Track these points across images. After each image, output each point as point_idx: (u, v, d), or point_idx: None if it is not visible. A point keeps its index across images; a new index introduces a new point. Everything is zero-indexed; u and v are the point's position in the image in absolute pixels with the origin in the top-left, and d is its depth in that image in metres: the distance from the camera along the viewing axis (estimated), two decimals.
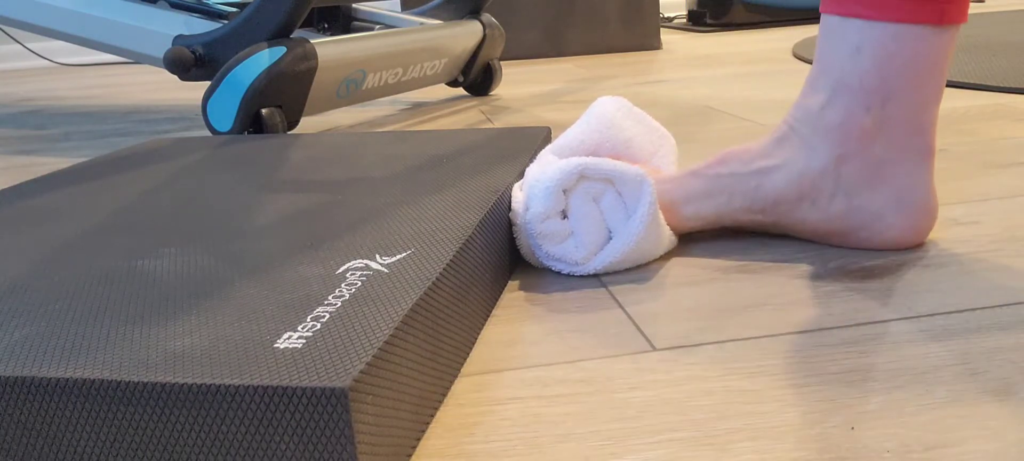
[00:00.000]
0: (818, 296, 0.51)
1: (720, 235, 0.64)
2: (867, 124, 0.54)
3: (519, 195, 0.59)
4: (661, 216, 0.57)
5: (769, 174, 0.57)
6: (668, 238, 0.59)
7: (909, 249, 0.57)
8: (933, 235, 0.60)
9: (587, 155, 0.63)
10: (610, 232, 0.57)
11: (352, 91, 1.18)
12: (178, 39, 1.11)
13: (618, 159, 0.64)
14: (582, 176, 0.56)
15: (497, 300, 0.54)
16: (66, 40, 1.25)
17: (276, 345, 0.35)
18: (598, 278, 0.56)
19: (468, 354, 0.46)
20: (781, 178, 0.57)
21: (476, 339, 0.48)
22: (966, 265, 0.54)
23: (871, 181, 0.55)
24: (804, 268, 0.56)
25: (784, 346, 0.45)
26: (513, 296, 0.54)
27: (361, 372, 0.32)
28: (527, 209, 0.56)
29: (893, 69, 0.53)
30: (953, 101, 1.14)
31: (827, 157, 0.55)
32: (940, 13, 0.52)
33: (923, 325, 0.46)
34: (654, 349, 0.45)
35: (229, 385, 0.32)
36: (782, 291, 0.52)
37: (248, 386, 0.31)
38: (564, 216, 0.56)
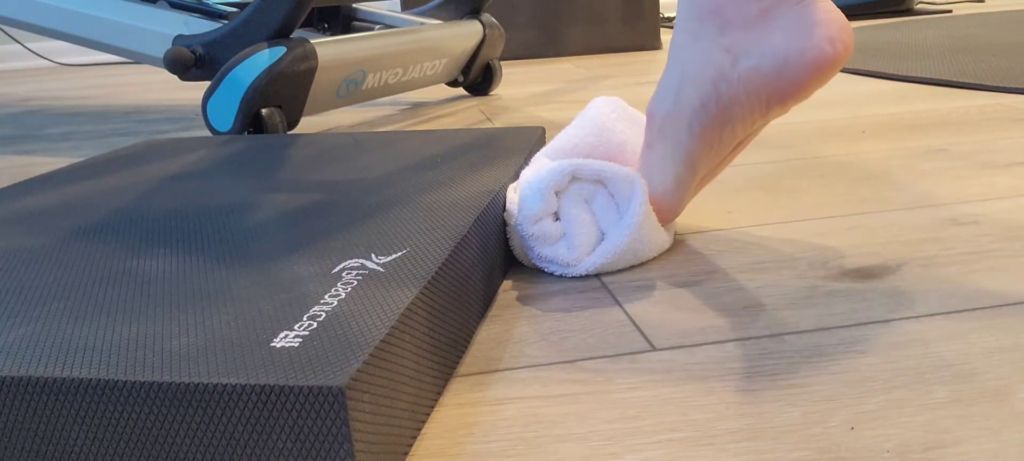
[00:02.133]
0: (818, 296, 0.51)
1: (719, 235, 0.63)
2: None
3: (513, 196, 0.59)
4: (654, 217, 0.57)
5: (682, 89, 0.57)
6: (662, 238, 0.58)
7: (838, 62, 0.54)
8: (933, 235, 0.60)
9: (581, 157, 0.63)
10: (602, 233, 0.57)
11: (352, 91, 1.18)
12: (178, 39, 1.11)
13: (612, 160, 0.64)
14: (573, 177, 0.56)
15: (493, 299, 0.54)
16: (66, 40, 1.25)
17: (272, 344, 0.35)
18: (598, 278, 0.56)
19: (465, 353, 0.46)
20: (689, 84, 0.56)
21: (472, 338, 0.48)
22: (966, 265, 0.54)
23: (757, 31, 0.54)
24: (804, 268, 0.55)
25: (784, 346, 0.45)
26: (510, 296, 0.54)
27: (357, 371, 0.32)
28: (520, 210, 0.56)
29: None
30: (953, 101, 1.14)
31: (710, 35, 0.55)
32: None
33: (923, 325, 0.46)
34: (654, 349, 0.45)
35: (226, 384, 0.31)
36: (782, 291, 0.52)
37: (245, 385, 0.31)
38: (556, 218, 0.56)
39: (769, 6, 0.54)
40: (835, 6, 0.54)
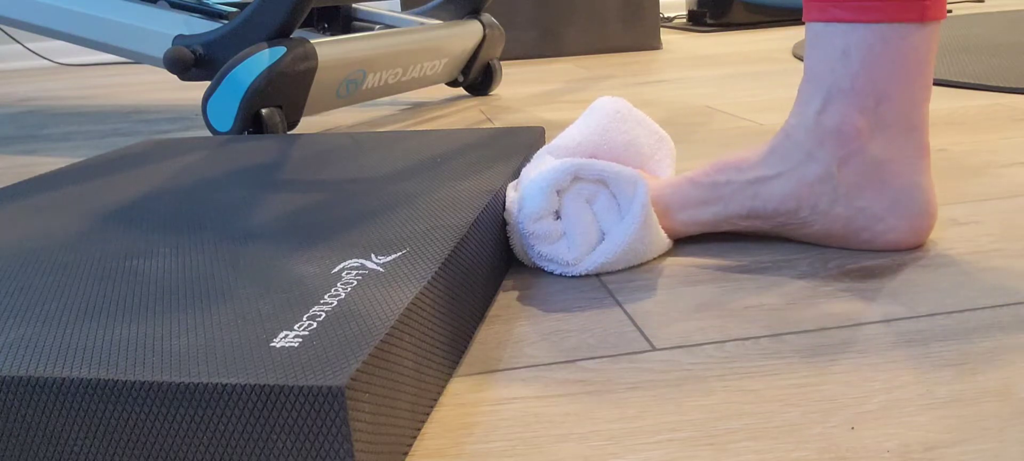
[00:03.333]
0: (818, 296, 0.51)
1: (719, 235, 0.63)
2: (862, 125, 0.54)
3: (513, 195, 0.59)
4: (655, 218, 0.57)
5: (767, 183, 0.57)
6: (662, 240, 0.59)
7: (909, 250, 0.57)
8: (933, 235, 0.60)
9: (585, 156, 0.63)
10: (603, 233, 0.57)
11: (352, 91, 1.18)
12: (178, 39, 1.11)
13: (616, 160, 0.64)
14: (576, 177, 0.56)
15: (493, 299, 0.54)
16: (66, 40, 1.25)
17: (272, 344, 0.35)
18: (598, 278, 0.56)
19: (465, 353, 0.46)
20: (779, 187, 0.57)
21: (472, 338, 0.48)
22: (966, 265, 0.54)
23: (870, 183, 0.55)
24: (804, 268, 0.55)
25: (784, 346, 0.44)
26: (510, 296, 0.54)
27: (357, 371, 0.32)
28: (520, 209, 0.56)
29: (882, 69, 0.54)
30: (953, 101, 1.14)
31: (826, 162, 0.55)
32: (921, 11, 0.53)
33: (923, 325, 0.46)
34: (654, 349, 0.45)
35: (226, 384, 0.31)
36: (782, 291, 0.52)
37: (245, 385, 0.31)
38: (557, 217, 0.56)
39: (891, 158, 0.55)
40: (933, 187, 0.56)
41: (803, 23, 2.61)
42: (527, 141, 0.75)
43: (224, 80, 1.03)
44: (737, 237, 0.63)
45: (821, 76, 0.55)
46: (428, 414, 0.40)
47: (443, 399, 0.41)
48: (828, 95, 0.55)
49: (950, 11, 2.76)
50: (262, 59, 1.02)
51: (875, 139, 0.55)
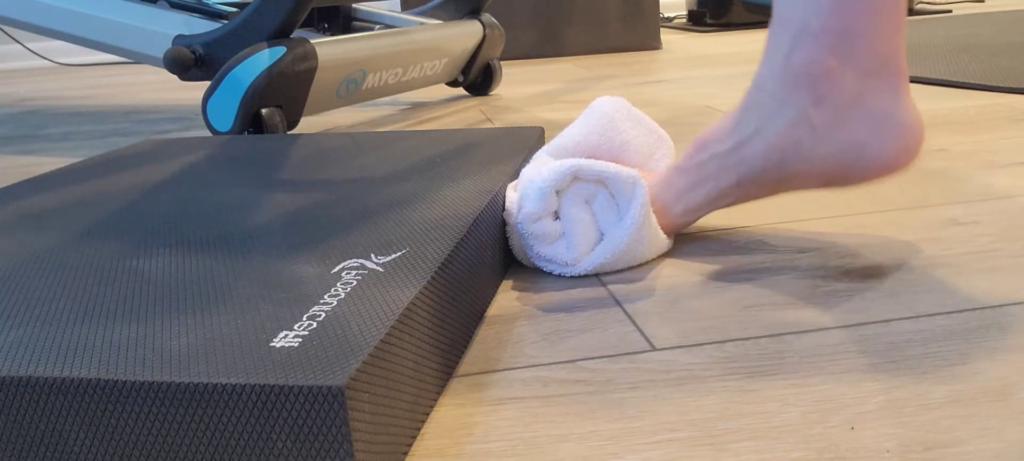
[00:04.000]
0: (818, 296, 0.51)
1: (719, 236, 0.63)
2: (833, 64, 0.53)
3: (513, 195, 0.59)
4: (654, 218, 0.57)
5: (748, 144, 0.56)
6: (661, 240, 0.58)
7: (902, 168, 0.56)
8: (933, 235, 0.60)
9: (584, 156, 0.63)
10: (601, 233, 0.57)
11: (352, 91, 1.18)
12: (178, 39, 1.11)
13: (615, 160, 0.64)
14: (575, 177, 0.56)
15: (492, 299, 0.54)
16: (66, 40, 1.25)
17: (272, 344, 0.35)
18: (598, 278, 0.56)
19: (464, 352, 0.46)
20: (760, 143, 0.56)
21: (472, 338, 0.48)
22: (966, 265, 0.54)
23: (849, 117, 0.54)
24: (804, 268, 0.55)
25: (784, 346, 0.44)
26: (510, 296, 0.54)
27: (357, 371, 0.32)
28: (520, 209, 0.56)
29: (851, 5, 0.52)
30: (953, 101, 1.14)
31: (800, 106, 0.54)
32: None
33: (923, 325, 0.46)
34: (654, 349, 0.45)
35: (226, 384, 0.31)
36: (782, 291, 0.52)
37: (245, 385, 0.31)
38: (556, 217, 0.56)
39: (865, 89, 0.54)
40: (915, 107, 0.55)
41: None
42: (527, 141, 0.75)
43: (224, 80, 1.03)
44: (737, 237, 0.63)
45: (789, 18, 0.54)
46: (428, 414, 0.40)
47: (443, 399, 0.41)
48: (796, 36, 0.54)
49: (950, 11, 2.76)
50: (262, 59, 1.02)
51: (846, 76, 0.53)
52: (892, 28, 0.54)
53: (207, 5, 1.21)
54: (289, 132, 1.10)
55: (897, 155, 0.55)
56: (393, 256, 0.45)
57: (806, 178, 0.57)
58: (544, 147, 0.65)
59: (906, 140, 0.55)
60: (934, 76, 1.32)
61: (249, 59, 1.02)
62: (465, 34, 1.40)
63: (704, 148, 0.58)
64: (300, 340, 0.35)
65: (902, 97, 0.54)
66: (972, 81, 1.25)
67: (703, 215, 0.60)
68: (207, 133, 1.24)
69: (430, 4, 1.51)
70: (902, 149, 0.55)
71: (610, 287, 0.55)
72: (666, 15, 3.11)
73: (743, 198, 0.59)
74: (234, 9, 1.23)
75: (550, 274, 0.57)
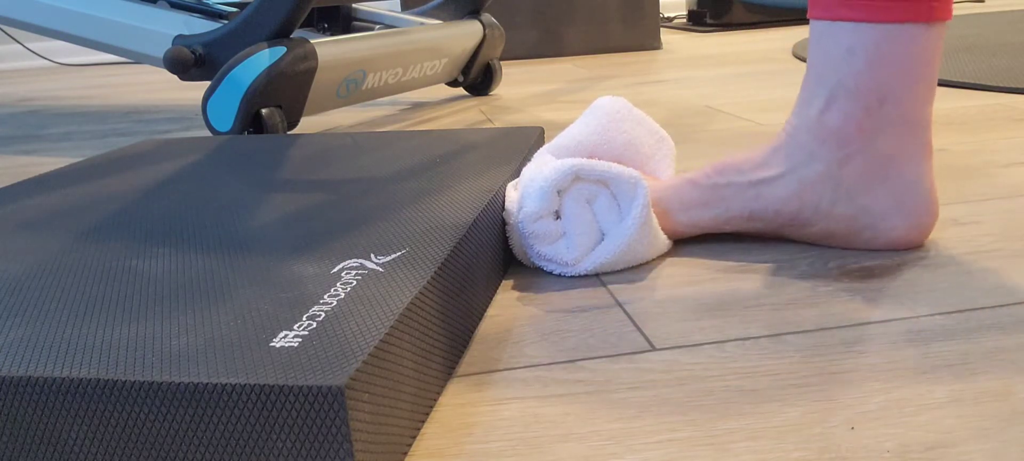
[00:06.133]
0: (818, 296, 0.51)
1: (719, 236, 0.63)
2: (865, 125, 0.54)
3: (513, 195, 0.59)
4: (655, 219, 0.57)
5: (769, 185, 0.57)
6: (662, 241, 0.58)
7: (910, 249, 0.57)
8: (933, 235, 0.60)
9: (585, 156, 0.63)
10: (602, 234, 0.57)
11: (352, 91, 1.18)
12: (178, 39, 1.11)
13: (616, 160, 0.64)
14: (577, 177, 0.56)
15: (492, 299, 0.54)
16: (66, 40, 1.25)
17: (272, 344, 0.35)
18: (598, 278, 0.56)
19: (464, 353, 0.46)
20: (781, 188, 0.57)
21: (472, 338, 0.48)
22: (966, 265, 0.54)
23: (872, 182, 0.55)
24: (804, 268, 0.55)
25: (784, 346, 0.44)
26: (510, 296, 0.54)
27: (357, 371, 0.32)
28: (520, 209, 0.56)
29: (887, 69, 0.53)
30: (953, 101, 1.14)
31: (828, 162, 0.55)
32: (928, 11, 0.53)
33: (923, 325, 0.46)
34: (654, 349, 0.45)
35: (226, 384, 0.31)
36: (782, 291, 0.52)
37: (245, 385, 0.31)
38: (557, 217, 0.56)
39: (893, 156, 0.55)
40: (935, 186, 0.57)
41: (804, 22, 2.61)
42: (527, 141, 0.75)
43: (224, 80, 1.03)
44: (737, 237, 0.63)
45: (825, 74, 0.55)
46: (428, 414, 0.40)
47: (443, 399, 0.41)
48: (831, 94, 0.55)
49: None
50: (262, 59, 1.02)
51: (878, 138, 0.54)
52: (924, 96, 0.55)
53: (207, 5, 1.21)
54: (289, 132, 1.10)
55: (909, 232, 0.56)
56: (393, 256, 0.45)
57: (813, 231, 0.58)
58: (545, 146, 0.65)
59: (921, 218, 0.56)
60: None
61: (249, 59, 1.02)
62: (465, 34, 1.40)
63: (724, 172, 0.59)
64: (300, 340, 0.35)
65: (926, 174, 0.56)
66: (972, 81, 1.25)
67: (703, 232, 0.61)
68: (207, 133, 1.24)
69: (430, 4, 1.51)
70: (914, 226, 0.56)
71: (610, 287, 0.55)
72: (666, 15, 3.11)
73: (746, 231, 0.60)
74: (234, 9, 1.23)
75: (550, 274, 0.57)
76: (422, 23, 1.40)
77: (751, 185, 0.58)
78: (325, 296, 0.40)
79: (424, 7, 1.51)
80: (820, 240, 0.58)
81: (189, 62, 1.08)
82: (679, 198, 0.60)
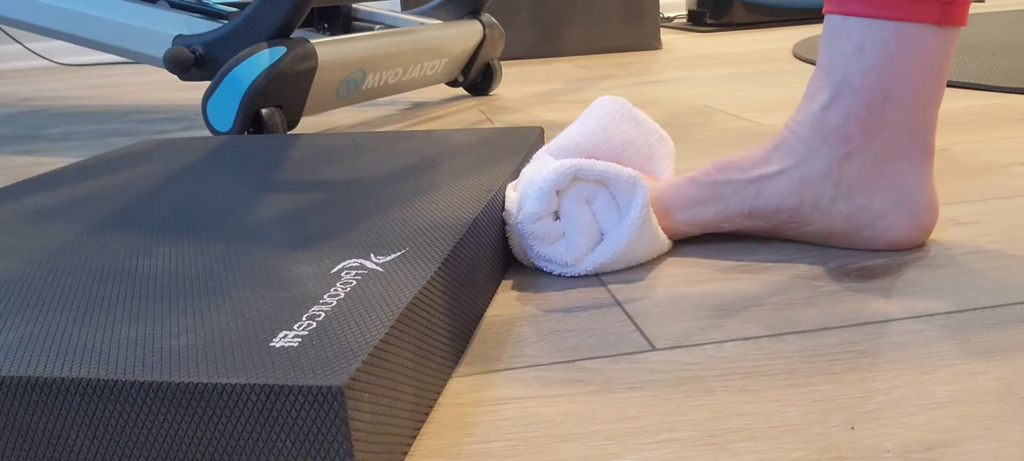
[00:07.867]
0: (818, 296, 0.51)
1: (719, 235, 0.63)
2: (868, 122, 0.54)
3: (513, 195, 0.59)
4: (654, 219, 0.57)
5: (769, 181, 0.57)
6: (661, 241, 0.58)
7: (910, 249, 0.57)
8: (933, 235, 0.60)
9: (585, 156, 0.63)
10: (602, 234, 0.57)
11: (352, 91, 1.18)
12: (178, 39, 1.11)
13: (616, 160, 0.64)
14: (576, 177, 0.56)
15: (492, 299, 0.54)
16: (66, 40, 1.25)
17: (272, 344, 0.35)
18: (598, 278, 0.56)
19: (464, 353, 0.46)
20: (781, 185, 0.57)
21: (472, 337, 0.48)
22: (966, 265, 0.54)
23: (873, 181, 0.55)
24: (804, 268, 0.55)
25: (784, 346, 0.44)
26: (510, 296, 0.54)
27: (357, 370, 0.32)
28: (520, 209, 0.56)
29: (894, 68, 0.53)
30: (953, 101, 1.14)
31: (828, 158, 0.55)
32: (941, 12, 0.52)
33: (923, 325, 0.46)
34: (654, 349, 0.45)
35: (226, 384, 0.31)
36: (782, 291, 0.52)
37: (245, 385, 0.31)
38: (556, 217, 0.56)
39: (893, 157, 0.55)
40: (935, 187, 0.57)
41: (804, 22, 2.61)
42: (527, 141, 0.75)
43: (224, 80, 1.03)
44: (737, 237, 0.63)
45: (833, 70, 0.55)
46: (428, 414, 0.40)
47: (443, 399, 0.41)
48: (836, 90, 0.55)
49: None
50: (262, 59, 1.02)
51: (878, 137, 0.54)
52: (929, 100, 0.55)
53: (207, 5, 1.21)
54: (289, 132, 1.10)
55: (908, 232, 0.56)
56: (393, 256, 0.45)
57: (813, 230, 0.58)
58: (544, 147, 0.65)
59: (921, 220, 0.56)
60: None
61: (249, 59, 1.02)
62: (465, 34, 1.40)
63: (724, 170, 0.59)
64: (300, 340, 0.35)
65: (926, 175, 0.56)
66: (972, 81, 1.25)
67: (704, 231, 0.61)
68: (207, 133, 1.24)
69: (430, 4, 1.51)
70: (914, 227, 0.56)
71: (610, 287, 0.55)
72: (666, 15, 3.11)
73: (747, 229, 0.60)
74: (234, 9, 1.23)
75: (550, 274, 0.57)
76: (422, 23, 1.40)
77: (751, 182, 0.58)
78: (325, 296, 0.40)
79: (424, 7, 1.51)
80: (820, 239, 0.58)
81: (189, 62, 1.08)
82: (679, 196, 0.60)
